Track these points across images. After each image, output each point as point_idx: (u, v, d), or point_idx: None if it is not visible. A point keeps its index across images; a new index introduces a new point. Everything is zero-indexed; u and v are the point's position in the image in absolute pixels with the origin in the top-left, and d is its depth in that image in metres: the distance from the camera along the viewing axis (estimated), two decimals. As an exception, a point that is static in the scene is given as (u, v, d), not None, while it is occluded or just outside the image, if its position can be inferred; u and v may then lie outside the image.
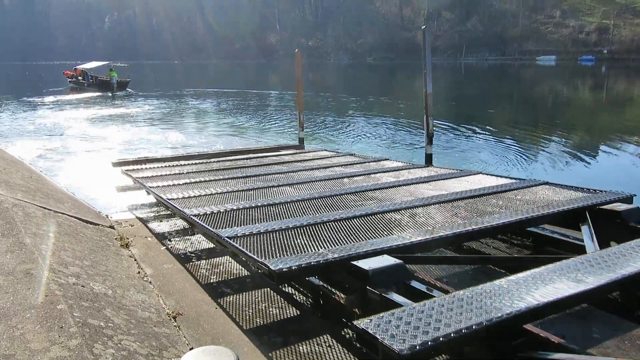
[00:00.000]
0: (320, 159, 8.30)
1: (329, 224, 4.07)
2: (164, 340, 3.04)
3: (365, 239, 3.66)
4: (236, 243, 3.61)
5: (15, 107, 26.48)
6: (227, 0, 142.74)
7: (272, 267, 3.06)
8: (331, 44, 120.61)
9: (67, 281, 3.31)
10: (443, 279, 3.87)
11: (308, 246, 3.53)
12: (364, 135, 16.38)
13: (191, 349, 3.07)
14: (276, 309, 3.75)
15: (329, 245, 3.57)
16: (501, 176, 6.10)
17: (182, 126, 19.39)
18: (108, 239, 5.11)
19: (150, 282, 4.15)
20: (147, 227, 5.86)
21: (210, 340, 3.25)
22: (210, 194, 5.42)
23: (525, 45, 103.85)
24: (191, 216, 4.44)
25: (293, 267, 3.06)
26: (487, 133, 16.20)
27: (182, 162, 8.27)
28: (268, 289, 4.06)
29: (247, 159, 8.61)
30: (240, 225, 4.10)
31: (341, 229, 3.94)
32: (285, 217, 4.37)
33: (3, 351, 2.37)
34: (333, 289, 3.60)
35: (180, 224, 5.89)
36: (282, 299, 3.90)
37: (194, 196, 5.34)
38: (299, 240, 3.68)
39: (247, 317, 3.61)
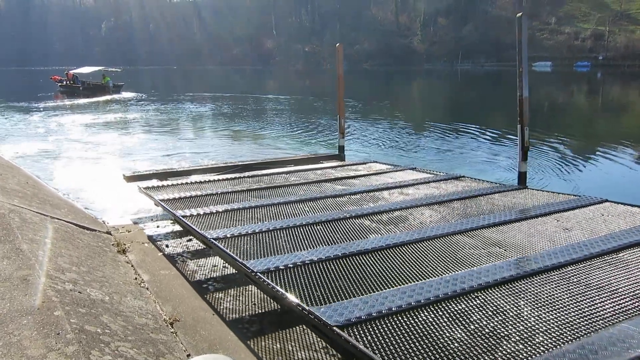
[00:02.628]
0: (377, 174, 7.05)
1: (479, 298, 2.82)
2: (161, 346, 3.04)
3: (564, 332, 2.42)
4: (361, 342, 2.39)
5: (11, 112, 26.44)
6: (224, 6, 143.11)
7: None
8: (327, 50, 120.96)
9: (64, 287, 3.30)
10: None
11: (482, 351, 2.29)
12: (391, 140, 16.07)
13: (188, 355, 3.07)
14: (273, 315, 3.75)
15: (515, 349, 2.31)
16: (636, 205, 4.72)
17: (187, 132, 19.31)
18: (105, 244, 5.10)
19: (147, 288, 4.15)
20: (144, 232, 5.85)
21: (207, 346, 3.25)
22: (267, 230, 4.30)
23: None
24: (260, 275, 3.29)
25: None
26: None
27: (210, 177, 7.08)
28: (264, 295, 4.06)
29: (286, 173, 7.35)
30: (343, 297, 2.93)
31: (507, 308, 2.70)
32: (397, 279, 3.17)
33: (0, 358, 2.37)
34: None
35: (177, 230, 5.87)
36: (277, 305, 3.90)
37: (246, 234, 4.22)
38: (456, 332, 2.46)
39: (244, 323, 3.61)
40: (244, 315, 3.74)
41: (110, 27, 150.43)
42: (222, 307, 3.87)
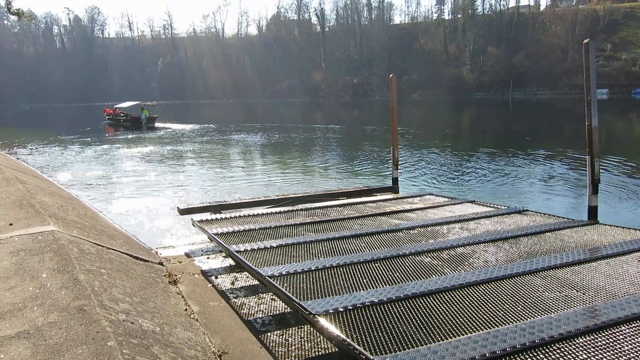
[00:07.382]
0: (434, 207, 6.78)
1: (562, 351, 2.57)
2: (209, 379, 3.04)
3: None
4: None
5: (68, 144, 27.83)
6: (273, 41, 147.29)
7: None
8: (376, 82, 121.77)
9: (118, 318, 3.38)
10: None
11: None
12: (445, 171, 15.84)
13: (236, 389, 3.05)
14: (321, 349, 3.69)
15: None
16: None
17: (239, 164, 19.74)
18: (157, 275, 5.21)
19: (197, 320, 4.19)
20: (194, 264, 5.94)
21: (254, 380, 3.23)
22: (323, 268, 4.15)
23: (575, 80, 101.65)
24: (318, 318, 3.14)
25: None
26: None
27: (263, 210, 7.04)
28: (312, 328, 4.01)
29: (339, 205, 7.19)
30: (408, 344, 2.72)
31: None
32: (466, 326, 2.94)
33: (55, 387, 2.42)
34: None
35: (227, 261, 5.94)
36: (325, 339, 3.84)
37: (302, 271, 4.05)
38: None
39: (292, 357, 3.57)
40: (292, 349, 3.70)
41: (166, 64, 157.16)
42: (270, 340, 3.84)
